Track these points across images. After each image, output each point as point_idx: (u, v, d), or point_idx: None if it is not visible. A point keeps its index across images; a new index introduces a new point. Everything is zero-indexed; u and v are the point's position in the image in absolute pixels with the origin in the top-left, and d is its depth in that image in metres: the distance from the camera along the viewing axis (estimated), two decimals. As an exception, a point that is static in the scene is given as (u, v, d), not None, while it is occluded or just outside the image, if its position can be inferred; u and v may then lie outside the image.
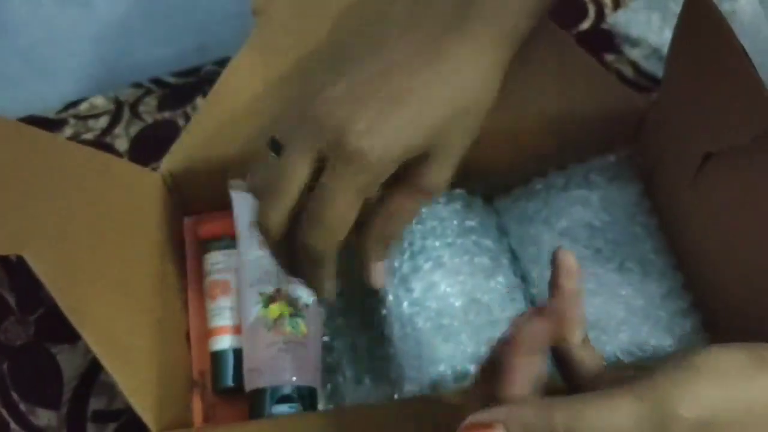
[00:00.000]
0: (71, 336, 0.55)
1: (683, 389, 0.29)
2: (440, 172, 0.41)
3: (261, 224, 0.42)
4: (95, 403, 0.54)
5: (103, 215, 0.49)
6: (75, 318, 0.41)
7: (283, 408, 0.47)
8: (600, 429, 0.29)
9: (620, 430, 0.28)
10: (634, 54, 0.69)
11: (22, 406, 0.53)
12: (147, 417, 0.42)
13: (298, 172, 0.39)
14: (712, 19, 0.39)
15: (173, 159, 0.54)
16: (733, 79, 0.39)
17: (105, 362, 0.42)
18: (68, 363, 0.55)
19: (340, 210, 0.39)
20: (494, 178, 0.54)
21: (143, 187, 0.54)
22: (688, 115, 0.45)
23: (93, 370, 0.55)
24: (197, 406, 0.51)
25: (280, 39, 0.56)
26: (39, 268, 0.41)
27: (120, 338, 0.45)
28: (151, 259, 0.51)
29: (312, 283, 0.43)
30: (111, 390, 0.54)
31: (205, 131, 0.54)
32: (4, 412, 0.53)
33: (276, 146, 0.41)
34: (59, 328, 0.56)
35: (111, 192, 0.52)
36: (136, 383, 0.44)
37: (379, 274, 0.44)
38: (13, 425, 0.53)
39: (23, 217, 0.43)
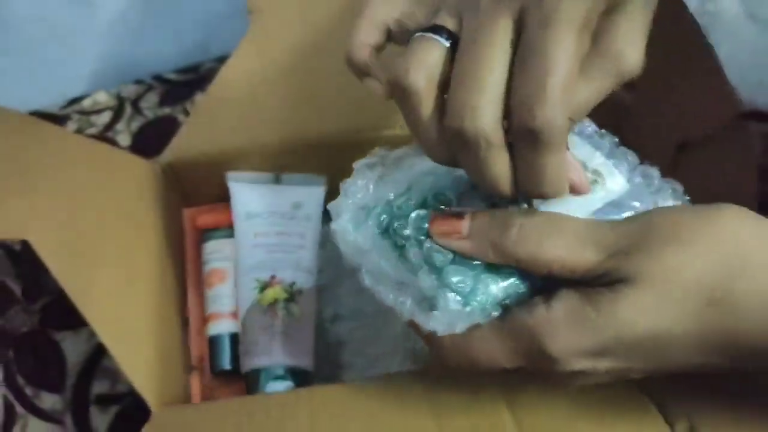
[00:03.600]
0: (75, 323, 0.57)
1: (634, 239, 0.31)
2: (631, 32, 0.31)
3: (468, 130, 0.30)
4: (98, 387, 0.55)
5: (105, 204, 0.51)
6: (78, 299, 0.43)
7: (277, 386, 0.49)
8: (539, 254, 0.32)
9: (566, 261, 0.32)
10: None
11: (28, 390, 0.55)
12: (146, 394, 0.44)
13: (500, 34, 0.30)
14: (681, 16, 0.41)
15: (173, 151, 0.56)
16: (700, 72, 0.41)
17: (106, 342, 0.43)
18: (72, 349, 0.57)
19: (570, 50, 0.29)
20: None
21: (144, 178, 0.56)
22: (662, 108, 0.47)
23: (96, 355, 0.57)
24: (196, 387, 0.53)
25: (277, 34, 0.58)
26: (43, 252, 0.42)
27: (121, 321, 0.47)
28: (151, 246, 0.53)
29: (556, 185, 0.32)
30: (114, 374, 0.56)
31: (204, 125, 0.56)
32: (10, 396, 0.55)
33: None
34: (63, 316, 0.58)
35: (113, 182, 0.54)
36: (136, 363, 0.46)
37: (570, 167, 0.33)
38: (18, 408, 0.55)
39: (28, 205, 0.45)
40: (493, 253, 0.33)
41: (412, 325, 0.35)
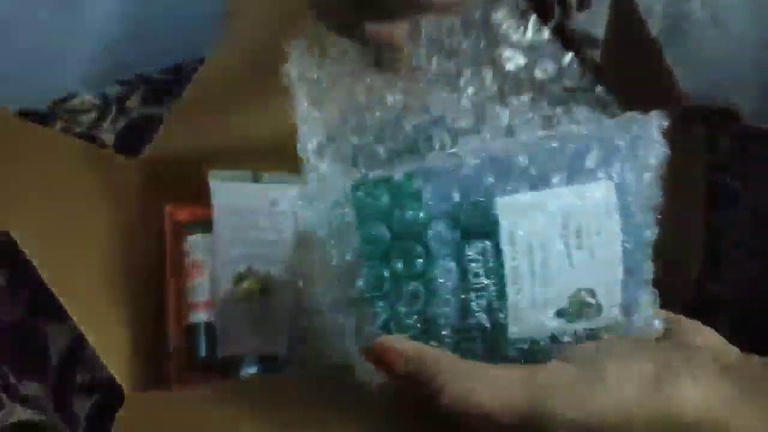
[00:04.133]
0: (59, 313, 0.58)
1: (571, 392, 0.32)
2: None
3: None
4: (80, 376, 0.57)
5: (88, 199, 0.53)
6: (57, 289, 0.45)
7: (249, 372, 0.51)
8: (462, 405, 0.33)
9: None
10: (595, 54, 0.72)
11: (12, 378, 0.57)
12: (123, 380, 0.46)
13: None
14: (632, 16, 0.43)
15: (153, 149, 0.58)
16: (649, 70, 0.43)
17: (84, 329, 0.45)
18: (56, 338, 0.59)
19: None
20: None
21: (126, 175, 0.58)
22: (620, 107, 0.49)
23: (79, 345, 0.59)
24: (173, 375, 0.54)
25: (255, 34, 0.60)
26: (24, 242, 0.44)
27: (100, 310, 0.49)
28: (131, 239, 0.55)
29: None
30: (95, 363, 0.57)
31: (184, 123, 0.58)
32: (-5, 383, 0.57)
33: None
34: (48, 306, 0.60)
35: (96, 179, 0.56)
36: (114, 351, 0.48)
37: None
38: (3, 395, 0.57)
39: (11, 198, 0.47)
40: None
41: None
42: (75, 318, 0.45)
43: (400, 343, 0.35)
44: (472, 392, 0.33)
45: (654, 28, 0.68)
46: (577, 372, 0.33)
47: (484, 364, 0.34)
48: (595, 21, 0.74)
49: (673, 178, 0.45)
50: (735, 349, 0.35)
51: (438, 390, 0.33)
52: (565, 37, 0.72)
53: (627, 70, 0.46)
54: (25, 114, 0.71)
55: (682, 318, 0.36)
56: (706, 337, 0.35)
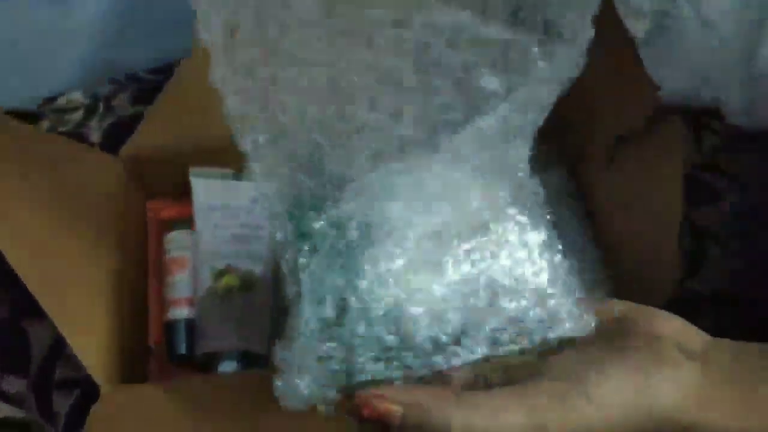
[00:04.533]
0: (42, 312, 0.58)
1: (562, 409, 0.33)
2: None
3: None
4: (61, 373, 0.57)
5: (69, 197, 0.53)
6: (33, 287, 0.45)
7: (228, 369, 0.51)
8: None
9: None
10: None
11: (-6, 375, 0.57)
12: (99, 376, 0.46)
13: None
14: (610, 14, 0.43)
15: (134, 145, 0.58)
16: (624, 68, 0.43)
17: (60, 326, 0.45)
18: (38, 336, 0.59)
19: None
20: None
21: (109, 173, 0.58)
22: (597, 105, 0.49)
23: (60, 342, 0.58)
24: (153, 371, 0.55)
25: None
26: (1, 241, 0.44)
27: (79, 307, 0.49)
28: (113, 237, 0.55)
29: None
30: (76, 360, 0.57)
31: (165, 120, 0.59)
32: (-22, 381, 0.57)
33: None
34: (31, 305, 0.60)
35: (79, 177, 0.56)
36: (92, 348, 0.48)
37: None
38: (-15, 392, 0.57)
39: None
40: None
41: None
42: (51, 315, 0.45)
43: (391, 391, 0.34)
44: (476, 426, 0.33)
45: (641, 27, 0.68)
46: (566, 387, 0.33)
47: (481, 392, 0.34)
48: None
49: (652, 176, 0.45)
50: (703, 336, 0.35)
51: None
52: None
53: (603, 69, 0.46)
54: (12, 113, 0.71)
55: (644, 307, 0.36)
56: (670, 325, 0.35)
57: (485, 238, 0.35)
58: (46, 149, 0.56)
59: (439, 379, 0.35)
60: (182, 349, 0.54)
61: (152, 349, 0.55)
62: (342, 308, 0.34)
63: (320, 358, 0.34)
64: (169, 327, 0.55)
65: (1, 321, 0.60)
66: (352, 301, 0.34)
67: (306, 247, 0.34)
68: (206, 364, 0.52)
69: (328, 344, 0.34)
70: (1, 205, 0.47)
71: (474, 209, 0.35)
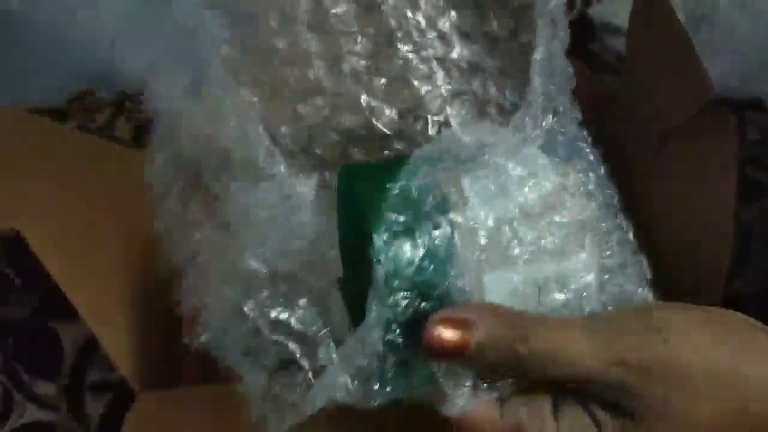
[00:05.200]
0: (72, 312, 0.58)
1: (637, 338, 0.30)
2: None
3: None
4: (93, 375, 0.57)
5: (100, 196, 0.53)
6: (66, 287, 0.44)
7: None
8: (554, 355, 0.30)
9: (570, 363, 0.30)
10: (615, 42, 0.71)
11: (25, 377, 0.57)
12: (134, 380, 0.45)
13: None
14: (660, 4, 0.42)
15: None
16: (675, 58, 0.41)
17: (94, 328, 0.45)
18: (69, 337, 0.58)
19: None
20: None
21: (138, 171, 0.57)
22: (642, 98, 0.47)
23: (92, 343, 0.58)
24: (187, 374, 0.54)
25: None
26: (32, 240, 0.44)
27: (111, 308, 0.48)
28: (144, 235, 0.54)
29: None
30: (109, 363, 0.57)
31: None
32: (9, 384, 0.57)
33: None
34: (61, 305, 0.59)
35: (110, 175, 0.55)
36: (125, 350, 0.47)
37: None
38: (16, 395, 0.56)
39: (21, 195, 0.47)
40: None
41: None
42: (85, 318, 0.45)
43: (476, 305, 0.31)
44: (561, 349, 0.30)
45: (678, 15, 0.66)
46: (641, 324, 0.31)
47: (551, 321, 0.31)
48: (617, 10, 0.73)
49: (701, 172, 0.44)
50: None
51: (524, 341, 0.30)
52: (586, 27, 0.71)
53: (653, 60, 0.45)
54: (41, 111, 0.71)
55: None
56: None
57: (555, 226, 0.33)
58: (76, 148, 0.55)
59: None
60: (216, 351, 0.53)
61: (185, 352, 0.54)
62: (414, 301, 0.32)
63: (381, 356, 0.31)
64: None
65: (28, 321, 0.60)
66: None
67: (384, 237, 0.32)
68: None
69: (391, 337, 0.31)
70: (31, 205, 0.47)
71: (548, 191, 0.33)
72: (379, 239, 0.31)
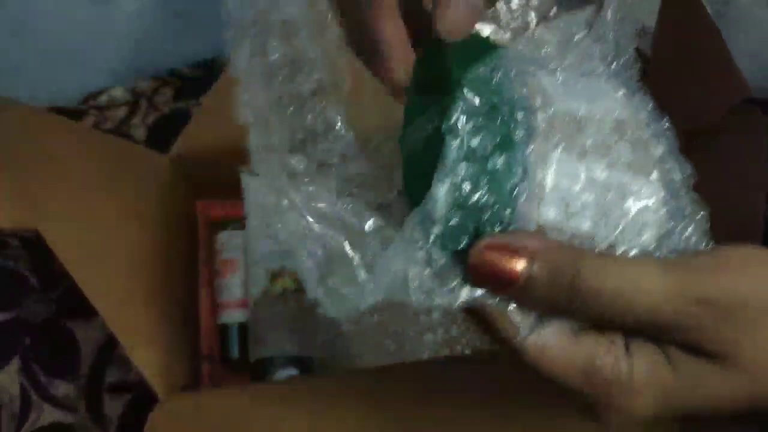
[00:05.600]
0: (90, 313, 0.57)
1: (713, 274, 0.28)
2: None
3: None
4: (111, 376, 0.56)
5: (118, 196, 0.52)
6: (87, 289, 0.44)
7: (283, 374, 0.49)
8: (624, 292, 0.28)
9: (643, 300, 0.28)
10: (641, 42, 0.70)
11: (42, 378, 0.56)
12: (155, 382, 0.45)
13: None
14: (690, 1, 0.41)
15: (182, 144, 0.56)
16: (707, 57, 0.40)
17: (116, 331, 0.44)
18: (86, 338, 0.58)
19: None
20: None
21: (157, 171, 0.57)
22: (672, 96, 0.46)
23: (110, 344, 0.57)
24: (205, 376, 0.53)
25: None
26: (53, 242, 0.43)
27: (131, 311, 0.48)
28: (162, 237, 0.54)
29: None
30: (126, 363, 0.56)
31: (214, 118, 0.57)
32: (27, 384, 0.56)
33: None
34: (78, 306, 0.59)
35: (127, 175, 0.55)
36: (146, 353, 0.47)
37: None
38: (33, 396, 0.56)
39: (42, 196, 0.46)
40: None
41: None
42: (106, 319, 0.44)
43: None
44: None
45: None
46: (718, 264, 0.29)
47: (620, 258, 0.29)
48: (642, 8, 0.72)
49: (733, 171, 0.43)
50: None
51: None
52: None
53: (683, 59, 0.44)
54: (56, 110, 0.70)
55: None
56: None
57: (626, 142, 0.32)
58: (93, 147, 0.54)
59: None
60: (235, 353, 0.52)
61: (204, 353, 0.54)
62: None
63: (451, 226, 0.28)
64: (222, 331, 0.53)
65: (47, 322, 0.59)
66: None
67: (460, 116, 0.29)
68: (260, 369, 0.51)
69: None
70: (50, 206, 0.46)
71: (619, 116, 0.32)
72: (456, 113, 0.29)
